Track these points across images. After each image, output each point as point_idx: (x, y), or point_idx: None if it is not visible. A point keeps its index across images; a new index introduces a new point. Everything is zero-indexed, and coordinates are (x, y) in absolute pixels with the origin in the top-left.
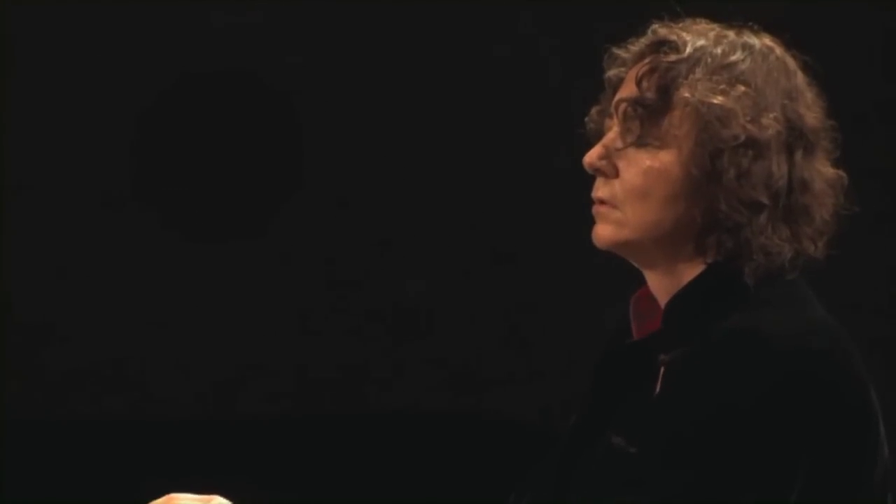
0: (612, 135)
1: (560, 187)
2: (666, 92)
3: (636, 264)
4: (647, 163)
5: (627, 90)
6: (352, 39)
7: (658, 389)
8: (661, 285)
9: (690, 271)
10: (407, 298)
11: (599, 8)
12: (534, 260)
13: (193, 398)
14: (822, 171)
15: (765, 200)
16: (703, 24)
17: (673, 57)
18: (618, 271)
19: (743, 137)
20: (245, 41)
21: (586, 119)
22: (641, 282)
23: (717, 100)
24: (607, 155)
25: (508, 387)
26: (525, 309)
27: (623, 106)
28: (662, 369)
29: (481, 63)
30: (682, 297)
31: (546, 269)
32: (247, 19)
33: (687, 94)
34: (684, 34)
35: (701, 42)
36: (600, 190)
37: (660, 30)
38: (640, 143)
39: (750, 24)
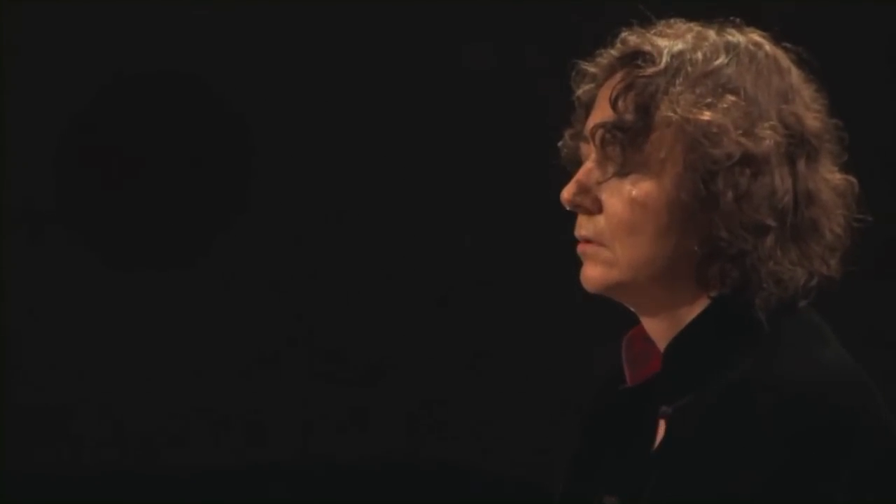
0: (590, 165)
1: (541, 210)
2: (646, 111)
3: (631, 307)
4: (633, 193)
5: (602, 113)
6: (308, 43)
7: (658, 444)
8: (659, 327)
9: (692, 309)
10: (366, 336)
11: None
12: (511, 292)
13: (125, 448)
14: (829, 179)
15: (770, 222)
16: (678, 26)
17: (649, 70)
18: (608, 306)
19: (738, 155)
20: (185, 40)
21: (559, 144)
22: (635, 319)
23: (704, 115)
24: (587, 188)
25: (483, 436)
26: (502, 347)
27: (600, 132)
28: (662, 421)
29: (452, 74)
30: (685, 338)
31: (525, 303)
32: (188, 15)
33: (669, 113)
34: (659, 41)
35: (678, 47)
36: (584, 227)
37: (630, 38)
38: (623, 173)
39: (732, 18)
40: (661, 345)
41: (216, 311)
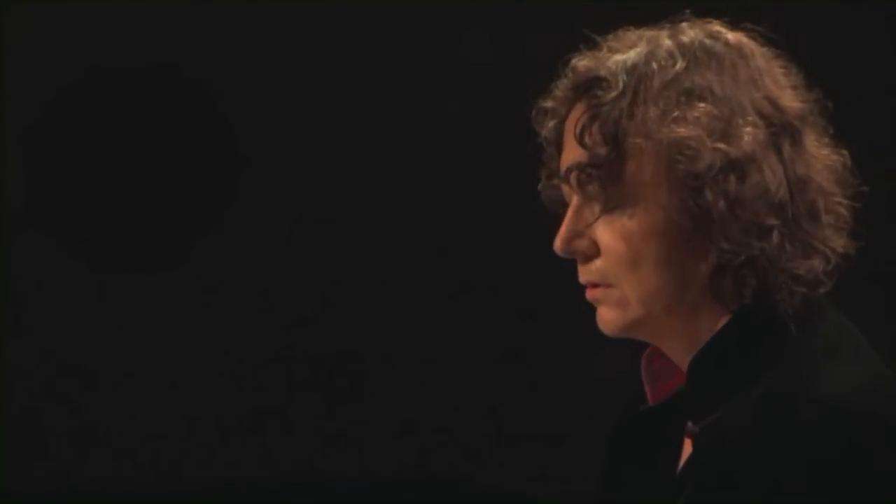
0: (575, 208)
1: (544, 207)
2: (615, 141)
3: (654, 343)
4: (625, 227)
5: (572, 152)
6: (299, 34)
7: (685, 463)
8: (682, 351)
9: (714, 326)
10: (362, 343)
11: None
12: (513, 297)
13: (101, 464)
14: (818, 157)
15: (771, 220)
16: (627, 36)
17: (608, 95)
18: None
19: (719, 163)
20: (166, 29)
21: (539, 187)
22: None
23: (675, 131)
24: (579, 233)
25: (487, 452)
26: (506, 356)
27: (574, 175)
28: (688, 439)
29: (449, 62)
30: (709, 353)
31: (528, 308)
32: (170, 1)
33: (640, 139)
34: (610, 61)
35: (632, 62)
36: (586, 273)
37: (580, 65)
38: (609, 209)
39: (684, 11)
40: (683, 364)
41: (201, 317)
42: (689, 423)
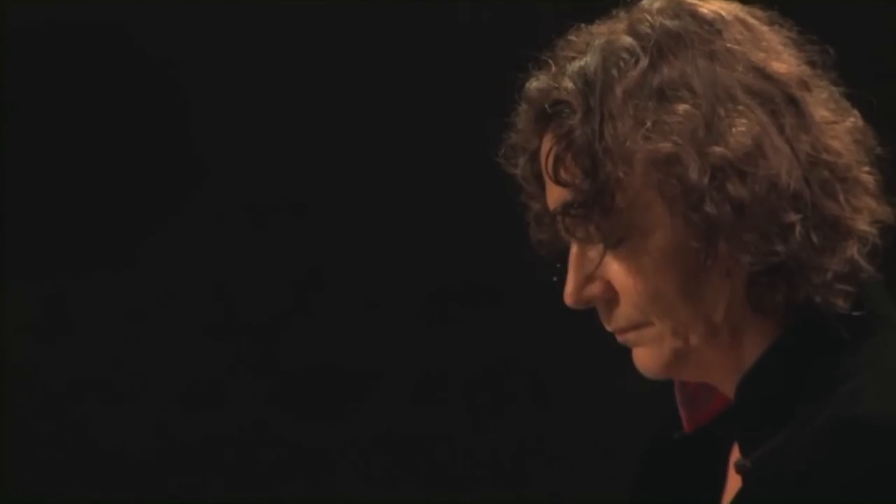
0: (576, 254)
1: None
2: (595, 170)
3: (702, 379)
4: (634, 261)
5: (554, 194)
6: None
7: (733, 501)
8: (735, 382)
9: (761, 345)
10: (343, 354)
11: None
12: (520, 302)
13: (45, 496)
14: (825, 126)
15: (789, 216)
16: (578, 39)
17: (572, 119)
18: None
19: (710, 167)
20: (109, 12)
21: (533, 237)
22: None
23: (656, 146)
24: (589, 278)
25: (492, 477)
26: (511, 368)
27: (561, 220)
28: (735, 471)
29: (442, 30)
30: (759, 373)
31: (532, 312)
32: None
33: (619, 163)
34: (563, 77)
35: (587, 71)
36: (611, 320)
37: (532, 88)
38: (612, 244)
39: None
40: (727, 388)
41: (149, 325)
42: (739, 455)
